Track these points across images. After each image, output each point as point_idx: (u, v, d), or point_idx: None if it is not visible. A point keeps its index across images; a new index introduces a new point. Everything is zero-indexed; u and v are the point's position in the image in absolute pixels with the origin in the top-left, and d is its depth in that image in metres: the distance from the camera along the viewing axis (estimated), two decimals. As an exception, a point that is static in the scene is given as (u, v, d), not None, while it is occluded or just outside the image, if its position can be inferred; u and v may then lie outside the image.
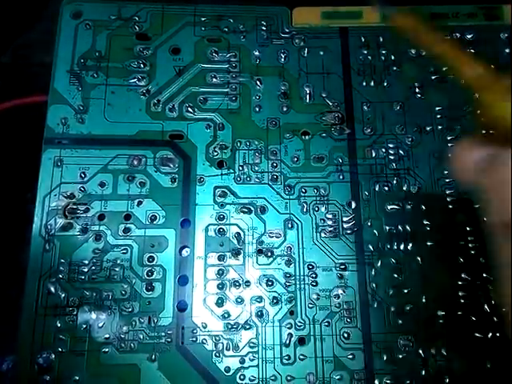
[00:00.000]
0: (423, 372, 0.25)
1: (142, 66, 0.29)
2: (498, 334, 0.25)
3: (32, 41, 0.40)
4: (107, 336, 0.25)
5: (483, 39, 0.31)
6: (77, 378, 0.24)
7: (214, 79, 0.30)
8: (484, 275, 0.26)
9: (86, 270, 0.25)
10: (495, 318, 0.26)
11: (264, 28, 0.31)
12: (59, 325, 0.24)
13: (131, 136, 0.28)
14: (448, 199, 0.28)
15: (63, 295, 0.25)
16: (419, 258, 0.27)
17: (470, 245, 0.27)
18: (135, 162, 0.28)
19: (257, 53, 0.30)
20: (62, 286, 0.25)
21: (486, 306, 0.26)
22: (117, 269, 0.26)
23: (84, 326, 0.25)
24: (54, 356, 0.24)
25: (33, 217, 0.26)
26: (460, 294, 0.26)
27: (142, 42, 0.30)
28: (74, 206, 0.27)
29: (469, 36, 0.31)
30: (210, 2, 0.31)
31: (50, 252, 0.26)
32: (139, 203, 0.27)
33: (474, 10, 0.32)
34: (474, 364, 0.25)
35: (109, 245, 0.26)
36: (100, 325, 0.25)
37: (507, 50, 0.31)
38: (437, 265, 0.27)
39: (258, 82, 0.30)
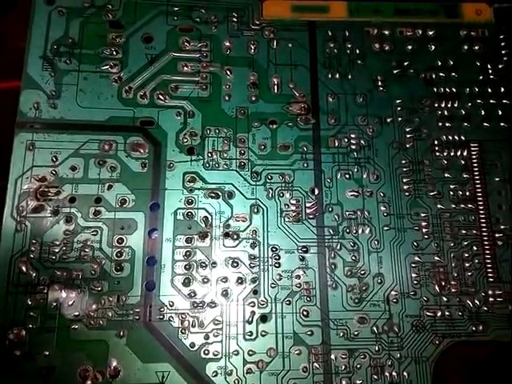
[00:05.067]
0: (376, 348, 0.27)
1: (114, 53, 0.30)
2: (447, 313, 0.27)
3: (6, 27, 0.40)
4: (77, 313, 0.26)
5: (443, 36, 0.33)
6: (47, 353, 0.25)
7: (186, 68, 0.30)
8: (436, 258, 0.28)
9: (56, 250, 0.26)
10: (444, 298, 0.28)
11: (235, 19, 0.32)
12: (30, 302, 0.25)
13: (103, 122, 0.29)
14: (405, 187, 0.29)
15: (34, 274, 0.26)
16: (376, 242, 0.28)
17: (423, 230, 0.29)
18: (106, 147, 0.28)
19: (227, 43, 0.31)
20: (33, 266, 0.26)
21: (436, 287, 0.28)
22: (87, 250, 0.27)
23: (54, 304, 0.26)
24: (24, 332, 0.25)
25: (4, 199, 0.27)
26: (413, 275, 0.28)
27: (114, 29, 0.31)
28: (46, 189, 0.27)
29: (430, 32, 0.33)
30: (182, -8, 0.32)
31: (22, 233, 0.26)
32: (110, 187, 0.28)
33: (436, 8, 0.33)
34: (425, 341, 0.27)
35: (79, 226, 0.27)
36: (70, 303, 0.26)
37: (465, 47, 0.32)
38: (391, 248, 0.28)
39: (228, 72, 0.31)
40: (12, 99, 0.30)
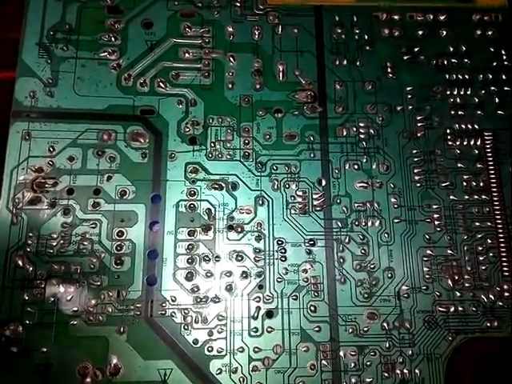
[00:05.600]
0: (387, 344, 0.26)
1: (113, 39, 0.29)
2: (460, 309, 0.26)
3: (4, 16, 0.39)
4: (75, 309, 0.25)
5: (455, 21, 0.31)
6: (44, 349, 0.24)
7: (187, 54, 0.29)
8: (449, 252, 0.27)
9: (54, 243, 0.25)
10: (457, 293, 0.27)
11: (238, 4, 0.31)
12: (27, 297, 0.25)
13: (101, 110, 0.28)
14: (416, 178, 0.28)
15: (31, 268, 0.25)
16: (386, 235, 0.27)
17: (435, 222, 0.28)
18: (105, 137, 0.27)
19: (230, 29, 0.30)
20: (29, 260, 0.25)
21: (449, 282, 0.27)
22: (85, 243, 0.26)
23: (52, 299, 0.25)
24: (21, 328, 0.24)
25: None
26: (425, 269, 0.27)
27: (113, 15, 0.30)
28: (43, 180, 0.26)
29: (442, 17, 0.31)
30: (183, -25, 0.31)
31: (18, 225, 0.25)
32: (109, 178, 0.27)
33: (448, -8, 0.32)
34: (438, 338, 0.26)
35: (78, 219, 0.26)
36: (68, 298, 0.25)
37: (478, 32, 0.31)
38: (402, 241, 0.27)
39: (232, 59, 0.29)
40: (7, 90, 0.29)
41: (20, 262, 0.25)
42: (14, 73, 0.28)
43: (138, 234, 0.26)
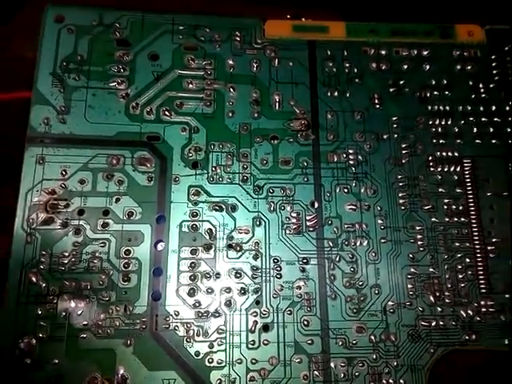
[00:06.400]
0: (374, 356, 0.28)
1: (122, 70, 0.31)
2: (441, 323, 0.29)
3: (10, 34, 0.41)
4: (85, 323, 0.26)
5: (437, 56, 0.34)
6: (56, 361, 0.26)
7: (190, 85, 0.32)
8: (431, 270, 0.29)
9: (66, 261, 0.27)
10: (439, 309, 0.29)
11: (238, 38, 0.33)
12: (40, 312, 0.26)
13: (111, 137, 0.30)
14: (401, 201, 0.31)
15: (44, 285, 0.27)
16: (373, 254, 0.29)
17: (419, 242, 0.30)
18: (114, 161, 0.29)
19: (231, 61, 0.32)
20: (43, 276, 0.27)
21: (431, 298, 0.29)
22: (95, 261, 0.28)
23: (63, 314, 0.26)
24: (34, 341, 0.26)
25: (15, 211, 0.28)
26: (409, 286, 0.29)
27: (122, 47, 0.32)
28: (55, 202, 0.28)
29: (425, 53, 0.34)
30: (187, 12, 0.33)
31: (32, 244, 0.27)
32: (117, 200, 0.29)
33: (431, 29, 0.35)
34: (421, 350, 0.28)
35: (88, 238, 0.28)
36: (79, 312, 0.27)
37: (458, 67, 0.34)
38: (388, 260, 0.29)
39: (232, 89, 0.32)
40: (20, 109, 0.30)
41: (34, 279, 0.27)
42: (29, 93, 0.30)
43: (144, 252, 0.28)
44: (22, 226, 0.27)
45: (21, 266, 0.27)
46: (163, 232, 0.29)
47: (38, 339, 0.26)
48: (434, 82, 0.33)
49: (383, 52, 0.34)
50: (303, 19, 0.38)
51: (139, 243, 0.28)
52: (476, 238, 0.30)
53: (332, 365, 0.27)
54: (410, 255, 0.30)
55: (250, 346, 0.27)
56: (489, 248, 0.30)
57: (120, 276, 0.28)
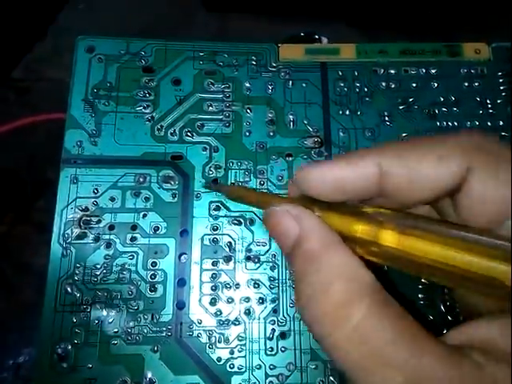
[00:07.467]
0: (387, 362, 0.29)
1: (147, 95, 0.34)
2: (452, 331, 0.30)
3: (41, 55, 0.44)
4: (116, 330, 0.29)
5: (445, 74, 0.36)
6: (90, 365, 0.28)
7: (211, 107, 0.34)
8: (441, 280, 0.31)
9: (98, 273, 0.30)
10: (449, 317, 0.30)
11: (254, 62, 0.35)
12: (75, 320, 0.29)
13: (138, 157, 0.32)
14: (411, 214, 0.32)
15: (78, 295, 0.29)
16: (385, 266, 0.31)
17: (429, 253, 0.31)
18: (141, 180, 0.32)
19: (248, 84, 0.35)
20: (77, 287, 0.29)
21: (441, 307, 0.30)
22: (124, 272, 0.30)
23: (96, 322, 0.29)
24: (70, 347, 0.28)
25: (51, 227, 0.30)
26: (419, 295, 0.30)
27: (147, 74, 0.34)
28: (88, 218, 0.31)
29: (433, 71, 0.36)
30: (207, 39, 0.36)
31: (67, 258, 0.30)
32: (144, 215, 0.31)
33: (438, 48, 0.36)
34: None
35: (118, 251, 0.30)
36: (110, 320, 0.29)
37: (466, 84, 0.35)
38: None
39: (249, 110, 0.34)
40: (55, 131, 0.33)
41: (69, 290, 0.29)
42: (63, 114, 0.33)
43: (168, 264, 0.30)
44: (59, 241, 0.30)
45: (57, 278, 0.29)
46: (186, 245, 0.31)
47: (73, 345, 0.28)
48: (442, 99, 0.35)
49: (392, 71, 0.35)
50: (316, 36, 0.40)
51: (164, 256, 0.30)
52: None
53: (347, 371, 0.29)
54: (421, 266, 0.31)
55: (268, 352, 0.29)
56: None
57: (147, 286, 0.30)
